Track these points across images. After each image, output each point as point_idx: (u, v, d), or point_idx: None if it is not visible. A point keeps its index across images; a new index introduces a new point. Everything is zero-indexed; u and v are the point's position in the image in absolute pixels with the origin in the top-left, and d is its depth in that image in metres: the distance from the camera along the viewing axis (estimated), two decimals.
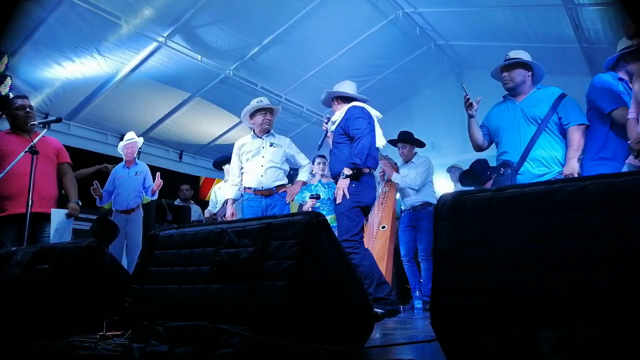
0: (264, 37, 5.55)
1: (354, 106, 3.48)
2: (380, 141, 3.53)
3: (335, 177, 3.46)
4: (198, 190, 8.10)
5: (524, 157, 2.92)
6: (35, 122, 3.53)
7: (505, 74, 3.13)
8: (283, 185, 3.97)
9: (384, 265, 4.55)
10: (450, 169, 6.19)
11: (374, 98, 7.17)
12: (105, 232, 4.47)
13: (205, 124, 6.79)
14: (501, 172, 2.99)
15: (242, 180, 4.00)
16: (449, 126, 7.17)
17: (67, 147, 4.11)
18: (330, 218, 5.00)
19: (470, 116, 3.14)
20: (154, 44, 5.17)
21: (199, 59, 5.55)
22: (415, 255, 4.84)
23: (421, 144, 5.11)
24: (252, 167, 3.93)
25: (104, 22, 4.67)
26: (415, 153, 5.05)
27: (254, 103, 4.06)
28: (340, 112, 3.53)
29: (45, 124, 3.43)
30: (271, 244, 1.59)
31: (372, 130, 3.40)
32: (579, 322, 1.11)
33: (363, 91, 7.00)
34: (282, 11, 5.29)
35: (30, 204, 3.16)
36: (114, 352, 1.63)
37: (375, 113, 3.56)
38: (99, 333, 1.86)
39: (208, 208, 5.75)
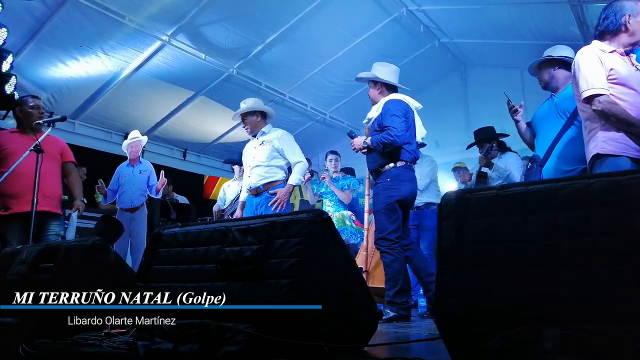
0: (267, 35, 5.55)
1: (390, 101, 3.37)
2: (420, 133, 3.48)
3: (372, 172, 3.47)
4: (202, 188, 8.12)
5: (549, 152, 2.86)
6: (40, 121, 3.54)
7: (538, 75, 3.13)
8: (274, 182, 3.87)
9: None
10: (455, 170, 6.16)
11: None
12: (110, 230, 4.49)
13: (209, 122, 6.80)
14: (528, 166, 2.96)
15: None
16: (454, 124, 7.15)
17: (71, 145, 4.13)
18: (337, 215, 4.99)
19: (517, 121, 3.11)
20: (158, 43, 5.18)
21: (203, 57, 5.56)
22: None
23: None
24: (246, 168, 4.01)
25: (108, 20, 4.68)
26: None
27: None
28: (377, 106, 3.45)
29: (50, 123, 3.44)
30: (275, 242, 1.59)
31: (409, 126, 3.33)
32: (583, 321, 1.11)
33: (367, 90, 6.98)
34: (286, 9, 5.29)
35: (35, 203, 3.18)
36: (118, 349, 1.64)
37: (415, 104, 3.49)
38: (103, 331, 1.87)
39: (217, 204, 5.76)
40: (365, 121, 3.58)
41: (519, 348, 1.15)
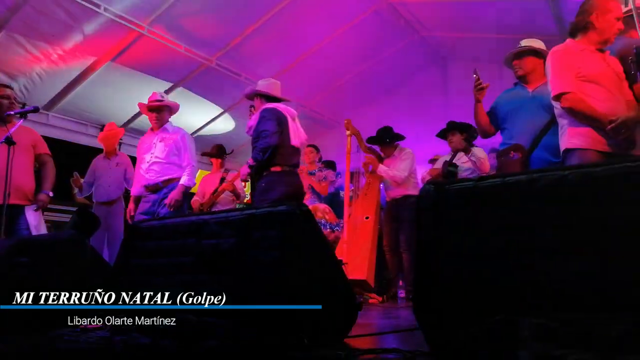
0: (247, 26, 5.49)
1: (264, 109, 3.56)
2: (297, 139, 3.62)
3: (255, 175, 3.59)
4: None
5: (535, 143, 2.90)
6: (11, 112, 3.44)
7: (515, 62, 3.14)
8: (172, 179, 3.87)
9: (367, 255, 4.57)
10: (433, 161, 6.21)
11: (358, 89, 7.21)
12: (86, 224, 4.40)
13: (188, 114, 6.69)
14: (510, 155, 2.98)
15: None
16: (434, 117, 7.20)
17: (46, 138, 4.02)
18: (310, 208, 4.98)
19: (477, 101, 3.13)
20: (135, 33, 5.07)
21: (182, 48, 5.47)
22: (398, 245, 4.86)
23: (399, 137, 5.09)
24: (142, 165, 3.93)
25: (83, 10, 4.55)
26: (397, 146, 5.05)
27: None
28: (255, 116, 3.63)
29: (22, 114, 3.35)
30: (253, 235, 1.58)
31: (281, 131, 3.47)
32: (559, 310, 1.13)
33: (347, 82, 7.02)
34: (266, 0, 5.24)
35: (6, 196, 3.09)
36: (95, 345, 1.61)
37: (290, 112, 3.66)
38: (80, 326, 1.83)
39: (195, 198, 5.71)
40: (247, 130, 3.73)
41: (495, 337, 1.17)
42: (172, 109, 4.08)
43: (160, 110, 3.98)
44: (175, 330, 1.46)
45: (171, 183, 3.84)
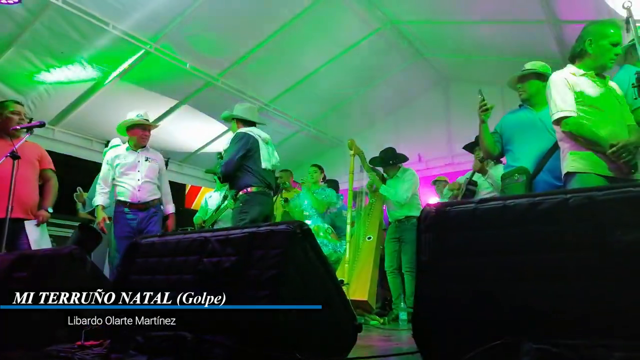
0: (252, 45, 5.56)
1: (236, 133, 3.74)
2: (269, 162, 3.76)
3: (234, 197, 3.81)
4: (184, 198, 8.04)
5: (540, 166, 2.88)
6: (18, 127, 3.47)
7: (519, 84, 3.16)
8: (157, 199, 4.02)
9: (369, 275, 4.54)
10: (435, 183, 6.21)
11: (362, 109, 7.25)
12: (88, 239, 4.40)
13: (192, 131, 6.75)
14: (515, 177, 2.96)
15: (110, 190, 4.01)
16: (436, 138, 7.23)
17: (51, 152, 4.04)
18: (313, 228, 4.97)
19: (482, 121, 3.12)
20: (142, 51, 5.14)
21: (187, 66, 5.54)
22: (400, 266, 4.83)
23: (402, 158, 5.09)
24: (127, 181, 3.94)
25: (92, 27, 4.63)
26: (400, 167, 5.05)
27: (133, 117, 4.03)
28: (228, 139, 3.80)
29: (28, 129, 3.38)
30: (254, 253, 1.57)
31: (250, 155, 3.64)
32: (559, 335, 1.12)
33: (350, 102, 7.08)
34: (271, 20, 5.31)
35: (9, 210, 3.09)
36: None
37: (263, 136, 3.80)
38: (77, 343, 1.82)
39: (198, 215, 5.70)
40: (222, 153, 3.94)
41: None
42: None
43: (150, 129, 4.11)
44: (172, 348, 1.45)
45: (157, 203, 4.00)
